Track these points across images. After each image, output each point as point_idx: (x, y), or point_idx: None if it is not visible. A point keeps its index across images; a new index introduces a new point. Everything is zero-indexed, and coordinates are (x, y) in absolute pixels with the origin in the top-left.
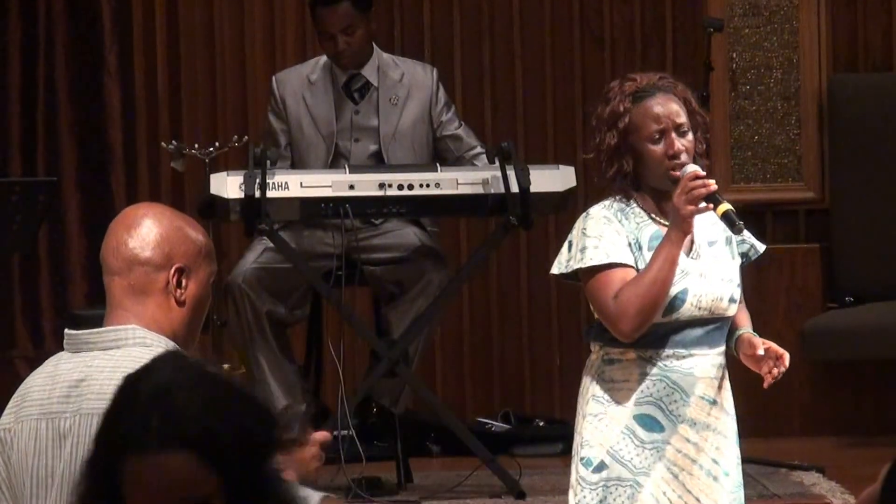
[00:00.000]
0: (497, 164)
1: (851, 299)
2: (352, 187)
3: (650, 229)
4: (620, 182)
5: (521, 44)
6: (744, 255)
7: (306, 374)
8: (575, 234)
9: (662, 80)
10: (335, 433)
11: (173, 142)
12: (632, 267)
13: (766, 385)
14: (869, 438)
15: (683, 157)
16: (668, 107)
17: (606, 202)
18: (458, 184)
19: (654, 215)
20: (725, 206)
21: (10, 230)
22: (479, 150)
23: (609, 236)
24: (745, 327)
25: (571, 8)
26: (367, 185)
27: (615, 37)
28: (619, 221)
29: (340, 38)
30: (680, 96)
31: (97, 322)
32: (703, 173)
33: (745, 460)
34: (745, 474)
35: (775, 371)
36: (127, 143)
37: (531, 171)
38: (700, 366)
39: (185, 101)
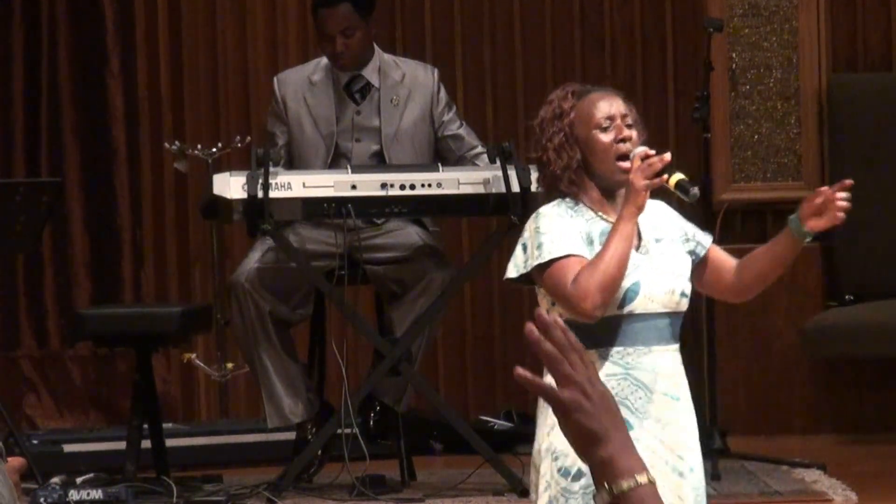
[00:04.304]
0: (498, 163)
1: (852, 297)
2: (354, 187)
3: (599, 225)
4: (570, 176)
5: (521, 44)
6: (691, 253)
7: (310, 373)
8: (528, 235)
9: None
10: (339, 431)
11: (176, 142)
12: (586, 258)
13: (838, 216)
14: (870, 435)
15: (630, 145)
16: (614, 99)
17: (555, 202)
18: (459, 183)
19: (601, 213)
20: (678, 176)
21: (14, 231)
22: (480, 149)
23: (564, 229)
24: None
25: (572, 8)
26: (369, 185)
27: (615, 37)
28: (571, 217)
29: (339, 40)
30: (623, 101)
31: (100, 321)
32: (653, 152)
33: (747, 457)
34: (747, 472)
35: (841, 203)
36: (130, 143)
37: (532, 171)
38: (661, 362)
39: (187, 102)
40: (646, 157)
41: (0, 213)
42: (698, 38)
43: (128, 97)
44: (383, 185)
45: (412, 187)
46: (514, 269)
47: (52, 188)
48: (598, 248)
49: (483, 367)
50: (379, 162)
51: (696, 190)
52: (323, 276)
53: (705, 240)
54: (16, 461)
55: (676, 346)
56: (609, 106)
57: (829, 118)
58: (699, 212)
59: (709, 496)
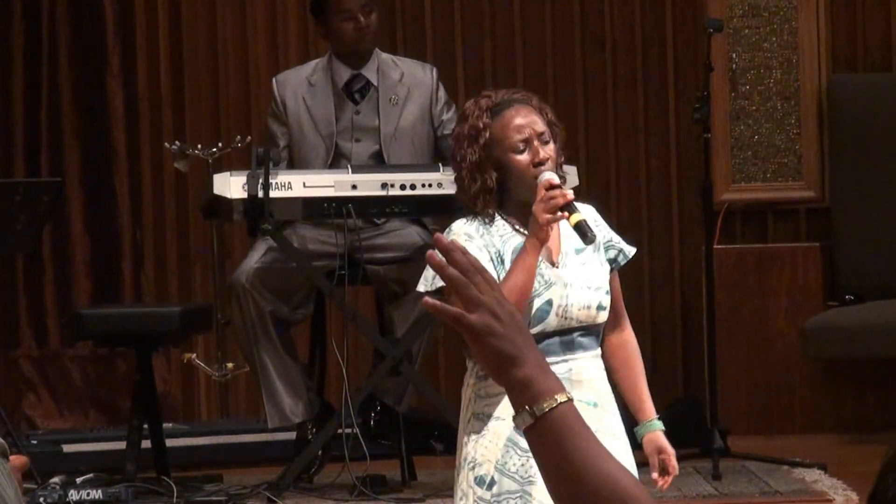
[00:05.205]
0: None
1: (852, 297)
2: (354, 187)
3: (514, 241)
4: (485, 197)
5: (522, 44)
6: (612, 262)
7: (310, 373)
8: None
9: (517, 93)
10: (340, 431)
11: (176, 142)
12: None
13: (660, 485)
14: (870, 435)
15: (551, 164)
16: (529, 117)
17: (469, 217)
18: None
19: (518, 227)
20: (579, 217)
21: (14, 230)
22: None
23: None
24: (651, 417)
25: (572, 9)
26: (369, 184)
27: (616, 37)
28: (481, 236)
29: (361, 16)
30: (536, 108)
31: (100, 321)
32: (559, 182)
33: (748, 457)
34: (747, 471)
35: (660, 482)
36: (130, 143)
37: None
38: (576, 369)
39: (188, 102)
40: (550, 186)
41: (0, 213)
42: (698, 38)
43: (128, 97)
44: (383, 185)
45: (412, 187)
46: (423, 284)
47: (52, 188)
48: (509, 266)
49: None
50: (378, 161)
51: (592, 234)
52: (323, 276)
53: (629, 249)
54: (17, 460)
55: (595, 353)
56: (524, 126)
57: (829, 118)
58: (700, 212)
59: (709, 496)
